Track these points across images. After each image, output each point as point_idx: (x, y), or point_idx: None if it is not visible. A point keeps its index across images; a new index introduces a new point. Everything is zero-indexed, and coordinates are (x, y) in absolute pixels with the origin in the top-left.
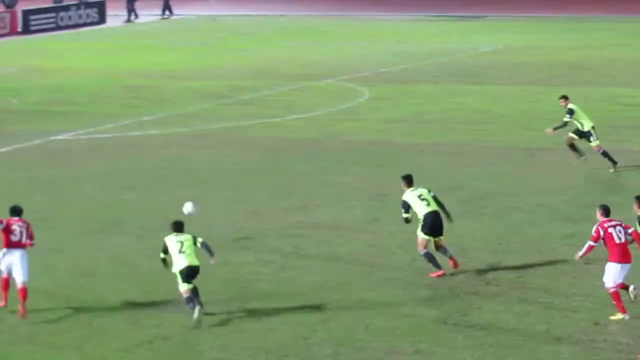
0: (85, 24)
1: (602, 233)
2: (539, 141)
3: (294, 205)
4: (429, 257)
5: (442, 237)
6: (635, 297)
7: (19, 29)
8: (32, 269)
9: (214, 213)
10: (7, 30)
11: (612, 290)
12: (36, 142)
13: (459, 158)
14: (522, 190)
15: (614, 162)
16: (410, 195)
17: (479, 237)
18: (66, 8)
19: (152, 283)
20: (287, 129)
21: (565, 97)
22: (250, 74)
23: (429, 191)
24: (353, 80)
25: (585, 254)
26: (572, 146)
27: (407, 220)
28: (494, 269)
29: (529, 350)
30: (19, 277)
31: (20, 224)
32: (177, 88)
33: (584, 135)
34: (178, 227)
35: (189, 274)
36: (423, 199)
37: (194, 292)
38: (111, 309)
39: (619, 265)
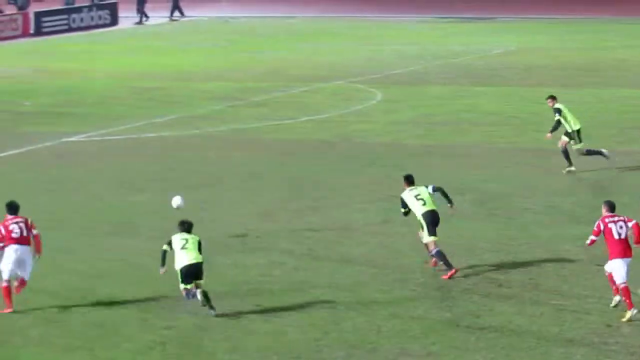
0: (97, 26)
1: (602, 227)
2: (550, 142)
3: (305, 206)
4: (441, 256)
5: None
6: (616, 305)
7: (31, 31)
8: (42, 270)
9: (225, 214)
10: (19, 32)
11: (622, 286)
12: (48, 143)
13: (469, 160)
14: (533, 191)
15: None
16: (407, 195)
17: (490, 238)
18: (78, 10)
19: (163, 284)
20: (299, 130)
21: (552, 97)
22: (261, 75)
23: (427, 188)
24: (364, 82)
25: (589, 245)
26: (566, 152)
27: (406, 215)
28: (505, 270)
29: (541, 352)
30: (22, 274)
31: (17, 220)
32: (188, 90)
33: (568, 135)
34: (185, 227)
35: (188, 273)
36: (420, 199)
37: (198, 292)
38: (122, 310)
39: (621, 261)
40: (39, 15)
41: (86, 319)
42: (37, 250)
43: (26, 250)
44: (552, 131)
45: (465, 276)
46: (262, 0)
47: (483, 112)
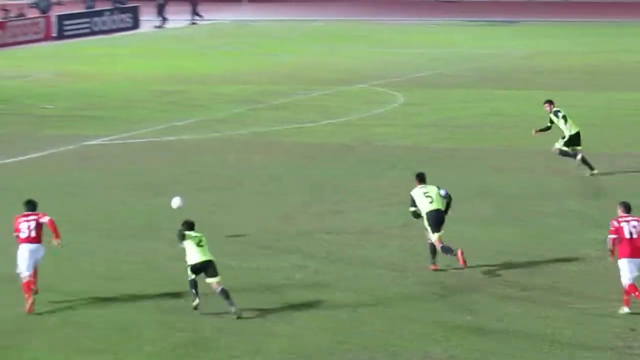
0: (119, 29)
1: (616, 226)
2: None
3: (325, 210)
4: (447, 250)
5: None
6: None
7: (54, 34)
8: (64, 273)
9: (246, 218)
10: (41, 36)
11: (628, 284)
12: (70, 146)
13: (492, 163)
14: (555, 195)
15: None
16: (417, 192)
17: (512, 242)
18: (100, 13)
19: (186, 287)
20: (320, 134)
21: (549, 102)
22: (282, 78)
23: (439, 189)
24: (386, 85)
25: (611, 248)
26: (564, 153)
27: (414, 214)
28: (527, 274)
29: (565, 356)
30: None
31: (29, 218)
32: (209, 93)
33: (564, 140)
34: (192, 226)
35: (198, 270)
36: (428, 196)
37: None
38: (145, 313)
39: (629, 261)
40: (61, 18)
41: (109, 322)
42: (56, 236)
43: (35, 249)
44: (543, 130)
45: (487, 279)
46: (282, 4)
47: (507, 115)
